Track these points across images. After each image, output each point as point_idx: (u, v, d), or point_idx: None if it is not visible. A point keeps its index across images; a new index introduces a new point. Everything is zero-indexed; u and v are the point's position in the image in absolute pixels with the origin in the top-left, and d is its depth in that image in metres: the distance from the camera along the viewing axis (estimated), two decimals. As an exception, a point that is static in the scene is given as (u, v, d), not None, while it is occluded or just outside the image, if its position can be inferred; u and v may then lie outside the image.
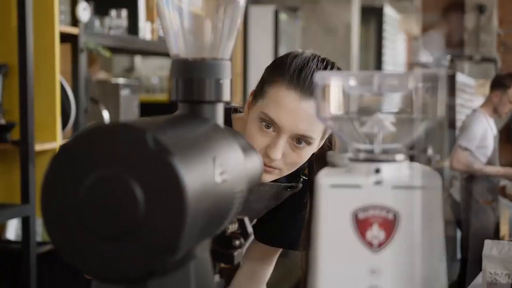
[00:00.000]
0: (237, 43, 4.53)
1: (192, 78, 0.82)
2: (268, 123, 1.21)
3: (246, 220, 0.87)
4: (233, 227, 0.84)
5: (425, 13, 10.15)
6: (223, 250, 0.80)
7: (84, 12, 2.64)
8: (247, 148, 0.86)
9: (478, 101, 8.34)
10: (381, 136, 0.72)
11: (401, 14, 8.54)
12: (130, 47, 3.15)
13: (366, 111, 0.74)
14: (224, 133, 0.80)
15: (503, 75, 4.37)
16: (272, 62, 1.29)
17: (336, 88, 0.72)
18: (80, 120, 2.68)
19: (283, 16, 4.92)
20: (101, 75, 3.96)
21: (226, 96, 0.84)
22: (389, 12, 7.56)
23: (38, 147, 2.43)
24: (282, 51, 5.70)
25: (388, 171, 0.70)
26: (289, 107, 1.19)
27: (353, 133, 0.73)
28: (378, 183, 0.69)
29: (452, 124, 7.07)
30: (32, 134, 2.35)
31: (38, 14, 2.46)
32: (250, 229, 0.84)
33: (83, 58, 2.67)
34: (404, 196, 0.69)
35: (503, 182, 4.60)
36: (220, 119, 0.84)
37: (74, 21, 2.67)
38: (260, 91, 1.25)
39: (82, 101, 2.71)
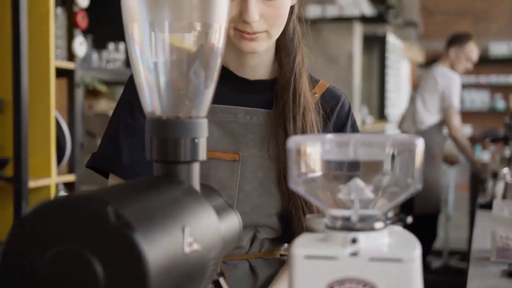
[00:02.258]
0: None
1: (167, 138, 0.80)
2: None
3: (222, 280, 0.84)
4: (207, 292, 0.81)
5: (429, 40, 10.19)
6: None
7: (80, 47, 2.63)
8: (224, 209, 0.83)
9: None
10: (358, 203, 0.69)
11: (405, 41, 8.55)
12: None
13: (343, 176, 0.71)
14: (197, 196, 0.77)
15: (460, 33, 4.62)
16: None
17: (310, 152, 0.70)
18: (76, 155, 2.66)
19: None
20: (103, 105, 3.95)
21: (202, 155, 0.81)
22: (392, 40, 7.57)
23: (33, 183, 2.40)
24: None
25: (366, 240, 0.67)
26: None
27: (329, 199, 0.70)
28: (354, 254, 0.66)
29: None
30: (26, 171, 2.33)
31: (34, 49, 2.45)
32: (225, 288, 0.81)
33: (79, 93, 2.65)
34: (381, 269, 0.66)
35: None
36: (195, 179, 0.81)
37: (71, 56, 2.66)
38: None
39: (78, 136, 2.69)
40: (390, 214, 3.22)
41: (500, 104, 10.11)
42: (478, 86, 10.18)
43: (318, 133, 1.23)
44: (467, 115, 10.26)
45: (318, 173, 0.70)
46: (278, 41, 1.26)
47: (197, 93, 0.82)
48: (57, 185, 2.64)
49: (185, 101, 0.82)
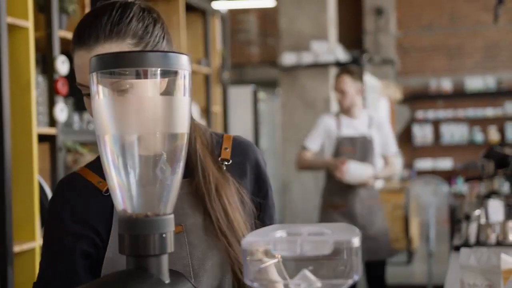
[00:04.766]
0: (218, 122, 4.63)
1: (138, 234, 0.89)
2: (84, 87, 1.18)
3: None
4: None
5: (406, 76, 10.41)
6: None
7: (61, 112, 2.73)
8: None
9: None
10: (307, 293, 0.78)
11: (383, 79, 8.74)
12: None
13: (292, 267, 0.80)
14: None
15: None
16: None
17: (263, 251, 0.79)
18: (59, 216, 2.74)
19: (261, 95, 5.05)
20: (87, 159, 4.02)
21: (170, 247, 0.90)
22: (369, 80, 7.75)
23: (17, 248, 2.47)
24: (262, 128, 5.84)
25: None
26: (79, 64, 1.17)
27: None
28: None
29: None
30: (11, 237, 2.40)
31: (17, 116, 2.55)
32: None
33: (61, 157, 2.74)
34: None
35: None
36: (165, 269, 0.90)
37: (52, 121, 2.76)
38: None
39: (61, 197, 2.76)
40: None
41: (479, 136, 10.31)
42: (456, 120, 10.38)
43: (240, 197, 1.27)
44: (446, 149, 10.45)
45: (270, 267, 0.80)
46: None
47: (163, 189, 0.92)
48: (41, 248, 2.70)
49: (153, 199, 0.91)
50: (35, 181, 2.56)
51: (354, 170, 3.82)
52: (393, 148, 4.04)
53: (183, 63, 0.90)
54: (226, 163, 1.30)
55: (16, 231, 2.50)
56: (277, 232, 0.81)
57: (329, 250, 0.76)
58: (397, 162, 4.07)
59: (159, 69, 0.88)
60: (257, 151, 1.37)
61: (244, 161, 1.33)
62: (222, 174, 1.27)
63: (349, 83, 3.84)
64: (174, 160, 0.91)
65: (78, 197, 1.25)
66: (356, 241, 0.76)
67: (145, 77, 0.88)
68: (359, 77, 3.90)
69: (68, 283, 1.20)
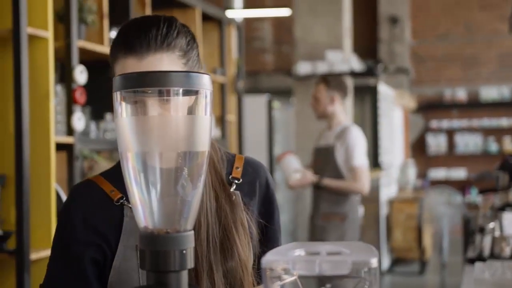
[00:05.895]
0: (232, 132, 4.65)
1: (158, 250, 0.90)
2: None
3: None
4: None
5: (420, 86, 10.39)
6: None
7: (79, 122, 2.76)
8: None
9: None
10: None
11: (397, 88, 8.73)
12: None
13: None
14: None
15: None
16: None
17: (282, 269, 0.80)
18: (75, 224, 2.77)
19: (276, 104, 5.06)
20: (102, 165, 4.05)
21: (190, 263, 0.92)
22: (383, 89, 7.75)
23: (34, 255, 2.50)
24: (276, 137, 5.85)
25: None
26: (130, 70, 1.17)
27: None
28: None
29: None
30: (28, 244, 2.43)
31: (35, 125, 2.58)
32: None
33: (78, 166, 2.77)
34: None
35: None
36: (184, 285, 0.92)
37: (70, 130, 2.79)
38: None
39: (77, 205, 2.79)
40: None
41: (493, 147, 10.25)
42: (471, 130, 10.34)
43: (244, 217, 1.27)
44: (460, 158, 10.40)
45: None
46: None
47: (184, 206, 0.93)
48: (58, 255, 2.73)
49: (174, 215, 0.93)
50: (53, 190, 2.59)
51: (285, 163, 3.88)
52: (357, 161, 3.81)
53: (205, 83, 0.92)
54: (236, 181, 1.31)
55: (33, 238, 2.53)
56: (296, 251, 0.83)
57: (348, 270, 0.78)
58: (364, 177, 3.80)
59: (181, 88, 0.90)
60: (268, 172, 1.39)
61: (254, 182, 1.34)
62: (227, 193, 1.28)
63: (322, 91, 3.90)
64: (195, 177, 0.93)
65: (91, 204, 1.26)
66: (375, 262, 0.77)
67: (168, 96, 0.90)
68: (335, 87, 3.90)
69: None
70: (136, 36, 1.19)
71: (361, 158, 3.84)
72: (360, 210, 4.10)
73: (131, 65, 1.19)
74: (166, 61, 1.19)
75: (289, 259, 0.80)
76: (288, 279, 0.82)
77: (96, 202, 1.27)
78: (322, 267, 0.79)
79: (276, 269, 0.80)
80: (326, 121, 4.00)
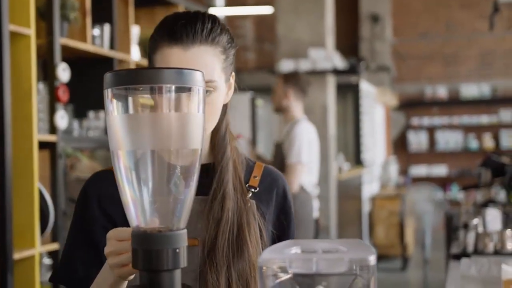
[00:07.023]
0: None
1: (151, 250, 0.89)
2: None
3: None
4: None
5: (401, 83, 10.44)
6: None
7: (61, 120, 2.73)
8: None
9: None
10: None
11: (378, 86, 8.77)
12: (107, 147, 3.23)
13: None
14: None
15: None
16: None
17: (278, 267, 0.80)
18: (58, 223, 2.74)
19: (259, 102, 5.05)
20: (85, 163, 4.00)
21: (183, 262, 0.91)
22: (365, 86, 7.77)
23: (17, 255, 2.47)
24: (260, 134, 5.85)
25: None
26: (175, 61, 1.18)
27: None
28: None
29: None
30: (11, 244, 2.39)
31: (18, 124, 2.55)
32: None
33: (61, 164, 2.74)
34: None
35: None
36: (177, 284, 0.90)
37: (53, 128, 2.76)
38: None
39: (60, 204, 2.77)
40: None
41: (474, 144, 10.34)
42: (451, 127, 10.42)
43: (256, 225, 1.27)
44: (441, 155, 10.47)
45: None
46: (212, 135, 1.29)
47: (177, 204, 0.92)
48: (41, 255, 2.70)
49: (167, 214, 0.92)
50: (36, 188, 2.56)
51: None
52: (291, 159, 3.75)
53: (197, 80, 0.91)
54: (253, 190, 1.31)
55: (16, 238, 2.50)
56: (292, 249, 0.82)
57: (344, 268, 0.77)
58: (293, 175, 3.70)
59: (173, 85, 0.89)
60: (286, 183, 1.39)
61: (271, 191, 1.34)
62: (244, 195, 1.27)
63: (279, 84, 3.99)
64: (188, 175, 0.92)
65: (106, 190, 1.25)
66: (372, 259, 0.76)
67: (160, 93, 0.88)
68: (291, 83, 3.94)
69: (91, 269, 1.20)
70: (182, 26, 1.19)
71: (297, 155, 3.77)
72: (316, 208, 4.01)
73: (175, 54, 1.18)
74: (210, 54, 1.19)
75: (285, 257, 0.79)
76: (284, 277, 0.81)
77: (111, 189, 1.25)
78: (319, 265, 0.79)
79: (272, 267, 0.79)
80: (283, 116, 4.05)
